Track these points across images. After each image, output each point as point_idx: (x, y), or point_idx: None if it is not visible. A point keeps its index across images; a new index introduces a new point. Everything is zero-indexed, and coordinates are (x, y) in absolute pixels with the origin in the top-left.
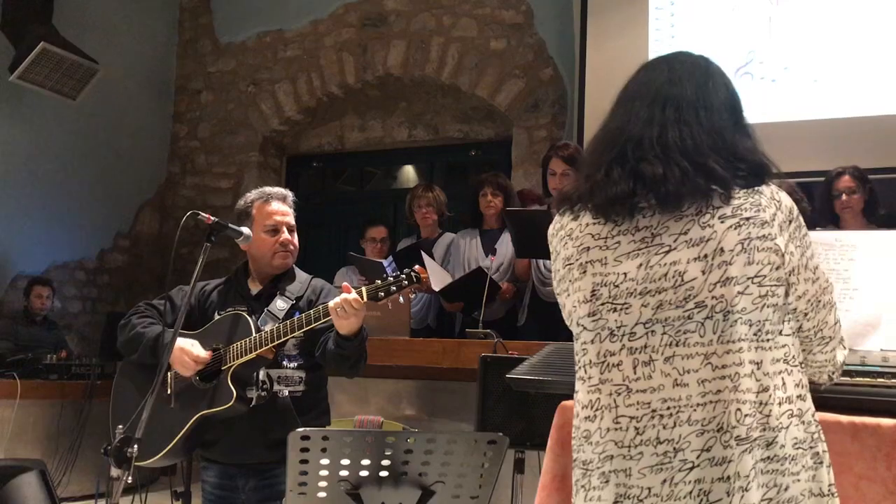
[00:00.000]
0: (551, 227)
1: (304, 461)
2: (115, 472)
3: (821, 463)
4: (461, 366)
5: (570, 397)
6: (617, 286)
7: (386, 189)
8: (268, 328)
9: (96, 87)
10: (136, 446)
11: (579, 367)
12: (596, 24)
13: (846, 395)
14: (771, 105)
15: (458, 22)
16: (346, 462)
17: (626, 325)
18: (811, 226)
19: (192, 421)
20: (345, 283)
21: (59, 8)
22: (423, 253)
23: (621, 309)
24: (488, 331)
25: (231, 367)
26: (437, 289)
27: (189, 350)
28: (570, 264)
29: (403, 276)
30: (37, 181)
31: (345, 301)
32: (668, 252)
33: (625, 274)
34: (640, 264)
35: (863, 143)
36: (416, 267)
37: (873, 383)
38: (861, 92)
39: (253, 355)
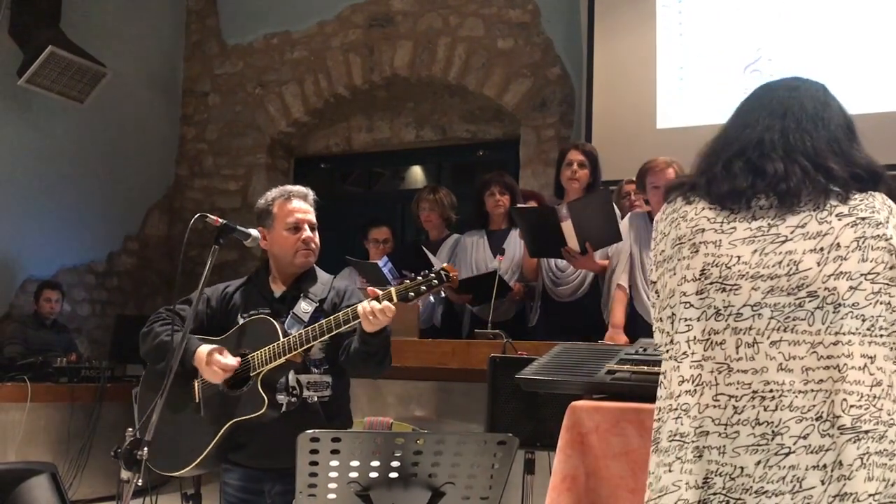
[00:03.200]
0: (660, 212)
1: (313, 463)
2: (125, 474)
3: None
4: (470, 366)
5: (580, 398)
6: (729, 268)
7: (394, 190)
8: (294, 332)
9: (104, 91)
10: (145, 449)
11: (676, 344)
12: (603, 22)
13: None
14: None
15: (464, 22)
16: (355, 463)
17: (734, 305)
18: None
19: (223, 430)
20: (370, 288)
21: (66, 12)
22: (425, 250)
23: (730, 289)
24: (497, 331)
25: (260, 372)
26: None
27: (217, 358)
28: (680, 243)
29: (433, 275)
30: (45, 185)
31: (377, 310)
32: (783, 242)
33: (738, 257)
34: (755, 250)
35: (874, 139)
36: (446, 265)
37: None
38: (872, 88)
39: (282, 360)
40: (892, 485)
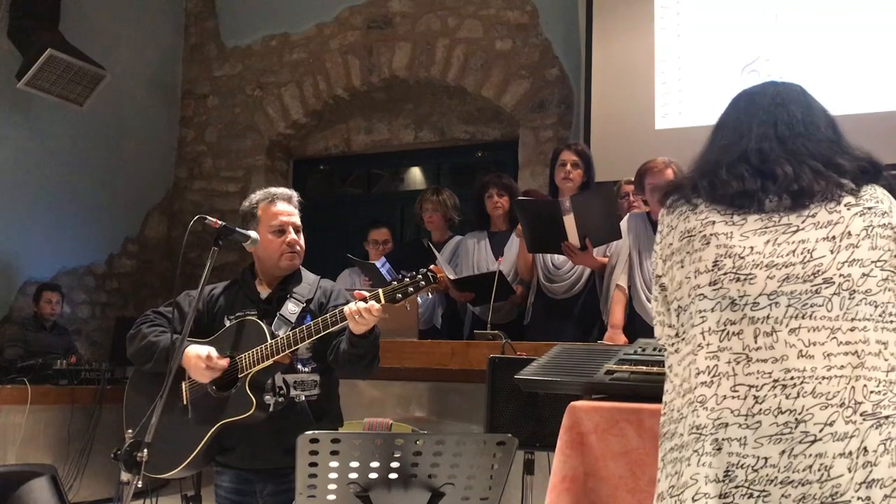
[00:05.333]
0: (665, 207)
1: (313, 464)
2: (125, 476)
3: None
4: (470, 367)
5: (579, 398)
6: (742, 258)
7: (393, 191)
8: (282, 333)
9: (103, 93)
10: (146, 451)
11: (688, 336)
12: (601, 24)
13: None
14: None
15: (463, 23)
16: (355, 465)
17: (750, 295)
18: None
19: (212, 431)
20: (357, 291)
21: (65, 14)
22: (431, 247)
23: (745, 279)
24: (497, 332)
25: (248, 374)
26: (451, 278)
27: (204, 356)
28: (690, 236)
29: (420, 276)
30: (45, 187)
31: (363, 309)
32: (795, 231)
33: (751, 248)
34: (768, 241)
35: (871, 139)
36: (433, 266)
37: None
38: (869, 88)
39: (270, 362)
40: None
